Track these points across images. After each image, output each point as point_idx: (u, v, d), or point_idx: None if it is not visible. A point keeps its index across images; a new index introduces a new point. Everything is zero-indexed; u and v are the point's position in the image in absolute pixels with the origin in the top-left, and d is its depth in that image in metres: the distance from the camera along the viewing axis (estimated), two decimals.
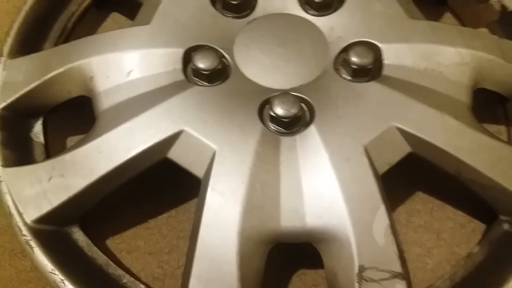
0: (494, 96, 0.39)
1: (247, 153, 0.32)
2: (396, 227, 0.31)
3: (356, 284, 0.29)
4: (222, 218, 0.31)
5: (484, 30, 0.47)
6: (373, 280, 0.29)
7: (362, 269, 0.29)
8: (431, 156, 0.33)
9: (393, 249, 0.30)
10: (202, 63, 0.35)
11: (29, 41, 0.42)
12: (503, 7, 0.45)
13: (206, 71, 0.35)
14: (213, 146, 0.32)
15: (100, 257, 0.34)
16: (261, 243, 0.31)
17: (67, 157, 0.34)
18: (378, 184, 0.31)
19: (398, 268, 0.29)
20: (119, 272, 0.34)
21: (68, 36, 0.46)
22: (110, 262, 0.34)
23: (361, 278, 0.29)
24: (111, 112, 0.35)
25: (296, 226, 0.31)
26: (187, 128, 0.33)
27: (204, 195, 0.31)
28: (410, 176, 0.38)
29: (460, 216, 0.38)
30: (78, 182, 0.33)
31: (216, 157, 0.32)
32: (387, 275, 0.29)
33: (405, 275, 0.29)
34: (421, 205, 0.38)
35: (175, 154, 0.33)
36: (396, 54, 0.36)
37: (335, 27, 0.39)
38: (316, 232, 0.31)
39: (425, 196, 0.39)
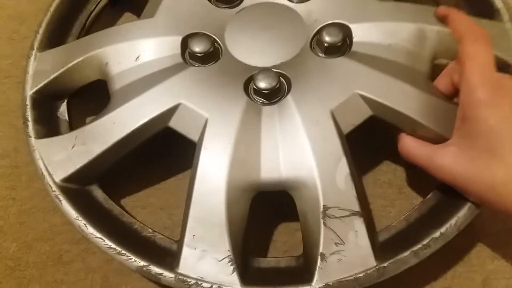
0: None
1: (234, 119, 0.38)
2: (356, 174, 0.37)
3: (321, 220, 0.35)
4: (212, 171, 0.37)
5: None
6: (335, 217, 0.35)
7: (326, 208, 0.35)
8: (390, 118, 0.39)
9: (352, 193, 0.36)
10: (196, 47, 0.42)
11: (55, 37, 0.50)
12: None
13: (200, 54, 0.42)
14: (206, 114, 0.39)
15: (116, 209, 0.41)
16: (245, 191, 0.37)
17: (87, 128, 0.41)
18: (342, 141, 0.37)
19: (356, 207, 0.35)
20: (132, 220, 0.41)
21: (87, 32, 0.53)
22: (124, 212, 0.41)
23: (325, 215, 0.35)
24: (123, 91, 0.42)
25: (273, 176, 0.37)
26: (184, 101, 0.39)
27: (199, 154, 0.38)
28: (377, 143, 0.44)
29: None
30: (96, 148, 0.40)
31: (208, 124, 0.38)
32: (347, 213, 0.35)
33: (363, 214, 0.35)
34: (386, 167, 0.44)
35: (175, 123, 0.40)
36: (364, 33, 0.42)
37: (312, 12, 0.45)
38: (290, 181, 0.37)
39: (389, 160, 0.45)
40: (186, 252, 0.36)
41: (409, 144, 0.38)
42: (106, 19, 0.57)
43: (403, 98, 0.38)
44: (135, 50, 0.43)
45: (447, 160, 0.34)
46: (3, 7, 0.58)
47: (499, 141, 0.32)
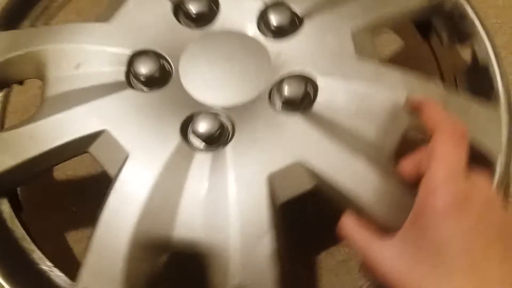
0: None
1: (157, 162, 0.34)
2: (285, 254, 0.32)
3: None
4: (119, 217, 0.33)
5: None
6: None
7: (240, 286, 0.31)
8: (334, 195, 0.34)
9: (273, 273, 0.31)
10: (140, 67, 0.37)
11: (11, 17, 0.45)
12: (475, 60, 0.44)
13: (144, 76, 0.37)
14: (128, 149, 0.34)
15: (19, 231, 0.37)
16: (152, 248, 0.33)
17: (4, 135, 0.37)
18: (273, 212, 0.32)
19: None
20: (32, 247, 0.37)
21: (48, 18, 0.49)
22: (26, 236, 0.37)
23: None
24: (53, 100, 0.38)
25: (187, 237, 0.33)
26: (108, 128, 0.35)
27: (108, 194, 0.33)
28: None
29: None
30: (8, 160, 0.36)
31: (128, 160, 0.34)
32: None
33: None
34: None
35: (95, 150, 0.35)
36: (331, 91, 0.37)
37: (282, 53, 0.39)
38: (205, 245, 0.32)
39: None
40: None
41: (348, 224, 0.33)
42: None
43: (353, 177, 0.33)
44: (77, 56, 0.39)
45: (387, 254, 0.29)
46: None
47: (449, 257, 0.27)
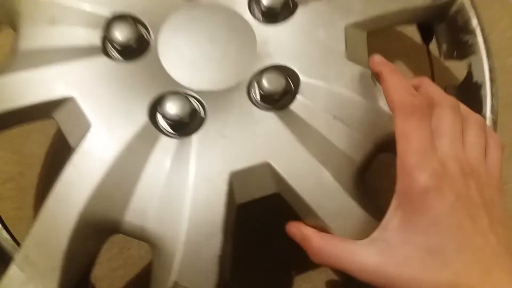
0: None
1: (119, 140, 0.32)
2: (230, 261, 0.32)
3: None
4: (70, 193, 0.32)
5: None
6: None
7: (176, 285, 0.31)
8: (295, 205, 0.33)
9: (213, 278, 0.31)
10: (115, 35, 0.34)
11: None
12: (469, 74, 0.42)
13: (118, 44, 0.35)
14: (91, 121, 0.33)
15: None
16: (99, 229, 0.32)
17: None
18: (228, 213, 0.32)
19: None
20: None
21: None
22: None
23: None
24: (22, 54, 0.36)
25: (137, 224, 0.32)
26: (75, 96, 0.33)
27: (65, 167, 0.32)
28: None
29: None
30: None
31: (89, 134, 0.33)
32: None
33: None
34: None
35: (59, 117, 0.34)
36: (312, 92, 0.35)
37: (270, 41, 0.37)
38: (152, 236, 0.32)
39: None
40: (13, 271, 0.31)
41: (321, 244, 0.31)
42: None
43: (316, 189, 0.32)
44: (53, 10, 0.36)
45: (373, 258, 0.28)
46: None
47: (441, 237, 0.27)
